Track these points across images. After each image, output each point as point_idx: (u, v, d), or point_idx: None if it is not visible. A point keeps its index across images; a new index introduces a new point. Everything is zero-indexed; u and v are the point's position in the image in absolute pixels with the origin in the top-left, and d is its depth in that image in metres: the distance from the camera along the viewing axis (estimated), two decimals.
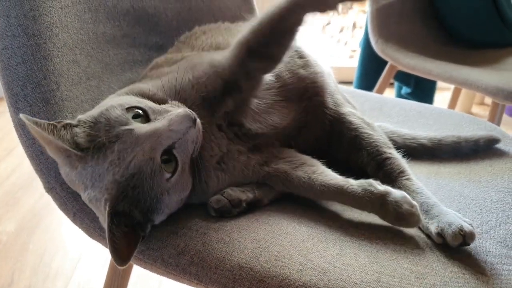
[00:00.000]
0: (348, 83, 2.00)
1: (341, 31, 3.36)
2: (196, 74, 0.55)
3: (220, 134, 0.55)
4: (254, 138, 0.58)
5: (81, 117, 0.46)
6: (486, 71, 1.21)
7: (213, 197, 0.53)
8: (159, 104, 0.50)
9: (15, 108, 0.52)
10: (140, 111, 0.46)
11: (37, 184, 1.49)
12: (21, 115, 0.41)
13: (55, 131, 0.42)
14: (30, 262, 1.17)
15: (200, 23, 0.81)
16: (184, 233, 0.50)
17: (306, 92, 0.65)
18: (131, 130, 0.43)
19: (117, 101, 0.46)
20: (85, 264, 1.18)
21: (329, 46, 3.38)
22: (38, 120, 0.42)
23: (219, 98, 0.55)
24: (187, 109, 0.47)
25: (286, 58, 0.59)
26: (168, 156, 0.46)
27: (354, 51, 3.12)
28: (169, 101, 0.50)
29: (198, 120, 0.48)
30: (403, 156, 0.64)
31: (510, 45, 1.45)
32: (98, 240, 0.53)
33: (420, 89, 1.79)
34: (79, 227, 0.54)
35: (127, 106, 0.45)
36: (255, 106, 0.59)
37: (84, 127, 0.44)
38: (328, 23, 3.61)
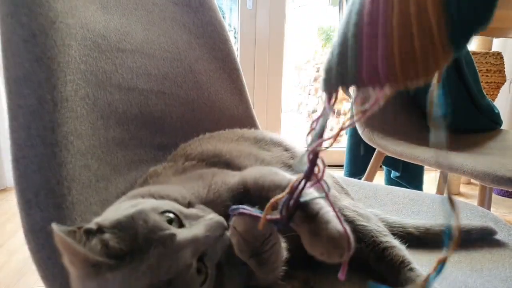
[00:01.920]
0: (336, 166, 2.06)
1: None
2: (223, 185, 0.57)
3: None
4: None
5: (100, 221, 0.44)
6: (469, 155, 1.28)
7: None
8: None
9: (27, 214, 0.53)
10: (172, 216, 0.46)
11: (25, 281, 1.43)
12: (54, 226, 0.40)
13: (83, 241, 0.41)
14: None
15: (202, 122, 0.87)
16: None
17: None
18: (173, 235, 0.43)
19: (149, 205, 0.46)
20: None
21: None
22: (67, 229, 0.41)
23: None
24: (218, 216, 0.48)
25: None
26: (199, 264, 0.45)
27: (341, 136, 3.26)
28: (196, 205, 0.51)
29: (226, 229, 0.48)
30: (401, 242, 0.64)
31: (487, 130, 1.56)
32: None
33: (409, 173, 1.85)
34: None
35: (160, 211, 0.45)
36: None
37: (115, 232, 0.42)
38: (314, 111, 3.82)
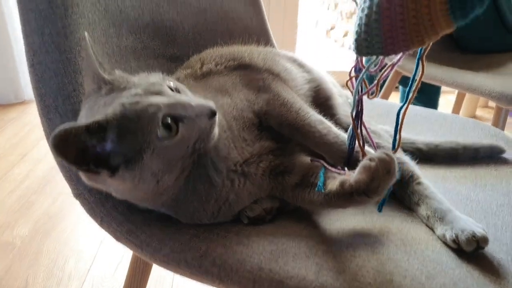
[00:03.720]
0: None
1: (345, 35, 3.39)
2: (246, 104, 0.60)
3: (251, 135, 0.58)
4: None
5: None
6: (490, 76, 1.23)
7: (247, 206, 0.56)
8: None
9: (47, 119, 0.55)
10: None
11: (50, 189, 1.54)
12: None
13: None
14: (44, 265, 1.20)
15: (215, 33, 0.85)
16: (206, 236, 0.53)
17: (317, 96, 0.71)
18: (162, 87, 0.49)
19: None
20: (98, 266, 1.21)
21: (333, 50, 3.41)
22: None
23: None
24: (212, 104, 0.50)
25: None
26: (173, 124, 0.47)
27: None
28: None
29: (217, 117, 0.50)
30: (411, 158, 0.66)
31: None
32: (125, 243, 0.56)
33: (425, 93, 1.81)
34: (106, 231, 0.57)
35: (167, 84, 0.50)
36: None
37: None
38: (333, 28, 3.64)
